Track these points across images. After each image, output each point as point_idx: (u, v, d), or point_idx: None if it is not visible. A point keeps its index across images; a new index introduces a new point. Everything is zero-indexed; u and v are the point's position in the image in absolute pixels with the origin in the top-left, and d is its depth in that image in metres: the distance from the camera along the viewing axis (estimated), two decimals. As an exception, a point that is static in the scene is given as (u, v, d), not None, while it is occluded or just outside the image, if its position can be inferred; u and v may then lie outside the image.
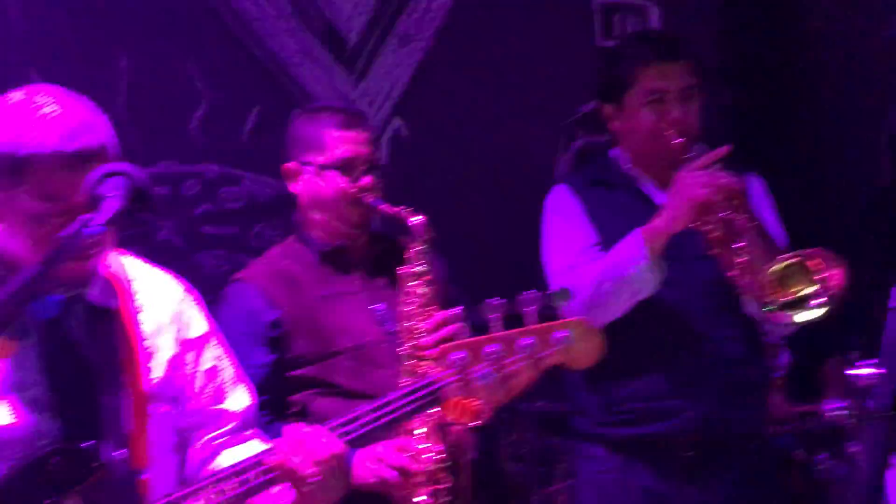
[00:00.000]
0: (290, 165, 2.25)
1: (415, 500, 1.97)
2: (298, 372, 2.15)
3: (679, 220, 2.10)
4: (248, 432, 1.75)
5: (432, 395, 1.59)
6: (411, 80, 3.73)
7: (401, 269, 2.14)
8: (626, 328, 2.22)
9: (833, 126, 4.19)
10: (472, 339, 1.56)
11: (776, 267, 1.91)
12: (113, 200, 1.40)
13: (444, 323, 2.06)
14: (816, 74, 4.24)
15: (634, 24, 4.19)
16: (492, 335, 1.56)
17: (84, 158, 1.51)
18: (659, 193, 2.30)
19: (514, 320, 1.57)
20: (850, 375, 2.62)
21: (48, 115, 1.53)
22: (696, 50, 3.93)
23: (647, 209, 2.25)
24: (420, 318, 2.10)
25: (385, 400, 1.57)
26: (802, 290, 1.96)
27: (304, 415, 2.14)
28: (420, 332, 2.09)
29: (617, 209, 2.29)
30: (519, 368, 1.56)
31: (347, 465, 1.60)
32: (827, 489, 2.87)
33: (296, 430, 1.57)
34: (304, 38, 3.53)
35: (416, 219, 2.16)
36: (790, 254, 1.94)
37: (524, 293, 1.60)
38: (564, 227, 2.31)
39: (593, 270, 2.20)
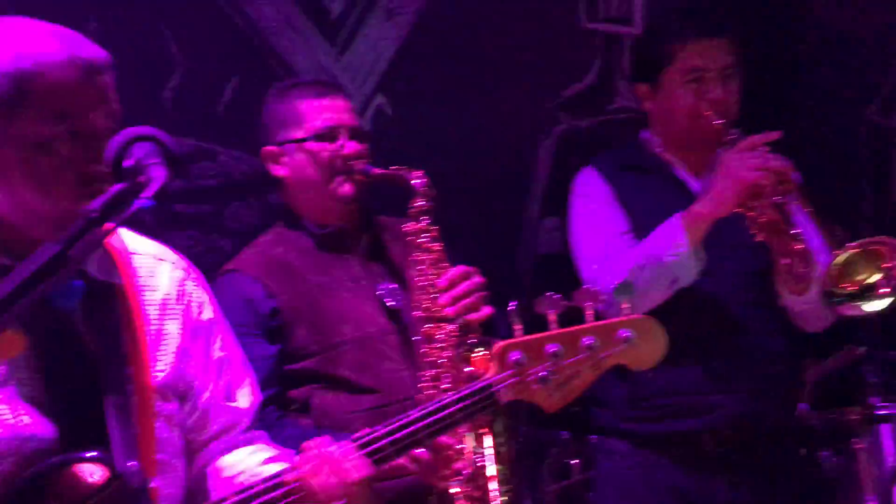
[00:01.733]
0: (269, 148, 2.11)
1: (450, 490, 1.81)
2: (299, 365, 2.00)
3: (725, 204, 1.99)
4: (253, 432, 1.58)
5: (488, 400, 1.45)
6: (396, 55, 3.56)
7: (407, 226, 2.02)
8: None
9: (816, 118, 4.15)
10: (530, 336, 1.44)
11: (842, 256, 1.79)
12: (157, 170, 1.20)
13: (460, 279, 1.95)
14: (802, 65, 4.19)
15: (619, 7, 4.09)
16: (552, 333, 1.45)
17: (98, 70, 1.34)
18: (693, 180, 2.17)
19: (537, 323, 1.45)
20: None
21: (51, 27, 1.35)
22: None
23: (682, 195, 2.13)
24: (433, 276, 1.97)
25: (427, 409, 1.41)
26: (867, 278, 1.85)
27: (305, 410, 1.98)
28: (434, 292, 1.95)
29: (650, 195, 2.17)
30: (580, 369, 1.45)
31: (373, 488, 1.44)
32: (831, 486, 2.81)
33: (320, 447, 1.41)
34: (285, 7, 3.33)
35: (417, 176, 2.02)
36: (856, 242, 1.81)
37: (582, 288, 1.50)
38: (595, 213, 2.19)
39: (629, 258, 2.08)
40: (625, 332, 1.47)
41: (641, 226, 2.12)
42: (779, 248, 1.95)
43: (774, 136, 1.96)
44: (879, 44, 3.95)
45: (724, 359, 2.11)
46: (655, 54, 2.14)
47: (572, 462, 2.83)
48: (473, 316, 1.94)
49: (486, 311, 1.96)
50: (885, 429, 2.81)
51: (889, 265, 1.82)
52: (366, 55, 3.49)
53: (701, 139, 2.11)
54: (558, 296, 1.45)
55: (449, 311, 1.90)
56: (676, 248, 2.01)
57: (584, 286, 2.08)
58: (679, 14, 2.28)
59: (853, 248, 1.81)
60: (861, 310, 1.85)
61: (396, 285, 2.05)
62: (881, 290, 1.84)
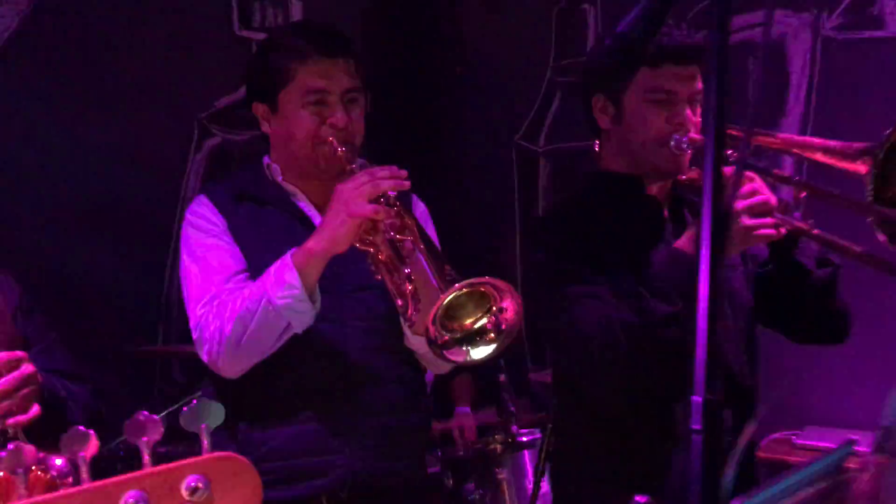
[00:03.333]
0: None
1: None
2: None
3: (338, 240, 1.79)
4: None
5: None
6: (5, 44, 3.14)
7: None
8: (272, 369, 1.90)
9: (472, 144, 4.24)
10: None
11: (447, 297, 1.65)
12: None
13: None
14: (459, 87, 4.25)
15: (275, 15, 3.92)
16: (64, 493, 1.04)
17: None
18: (317, 213, 1.98)
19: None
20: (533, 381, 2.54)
21: None
22: None
23: (304, 230, 1.92)
24: None
25: None
26: (475, 322, 1.71)
27: None
28: None
29: (267, 229, 1.94)
30: None
31: None
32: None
33: None
34: None
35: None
36: (462, 282, 1.64)
37: (136, 417, 1.06)
38: (205, 247, 1.92)
39: (237, 301, 1.84)
40: (194, 480, 1.05)
41: (257, 262, 1.89)
42: (394, 288, 1.78)
43: (405, 184, 1.79)
44: (525, 73, 4.11)
45: (342, 413, 1.92)
46: (273, 72, 1.93)
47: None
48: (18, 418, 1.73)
49: (34, 411, 1.75)
50: (527, 455, 2.82)
51: (496, 307, 1.71)
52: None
53: (323, 167, 1.92)
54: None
55: None
56: (289, 289, 1.80)
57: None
58: (299, 30, 2.06)
59: (458, 288, 1.66)
60: (469, 356, 1.72)
61: None
62: (488, 336, 1.72)
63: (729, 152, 1.89)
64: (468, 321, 1.71)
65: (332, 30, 2.00)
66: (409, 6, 4.24)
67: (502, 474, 2.74)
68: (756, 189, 1.80)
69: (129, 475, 1.04)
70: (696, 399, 0.88)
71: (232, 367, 1.88)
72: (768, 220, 1.78)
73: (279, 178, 2.01)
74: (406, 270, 1.73)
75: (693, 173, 1.96)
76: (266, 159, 2.04)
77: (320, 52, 1.92)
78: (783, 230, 1.79)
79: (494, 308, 1.70)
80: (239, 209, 1.96)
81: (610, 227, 1.95)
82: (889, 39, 3.54)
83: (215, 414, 1.08)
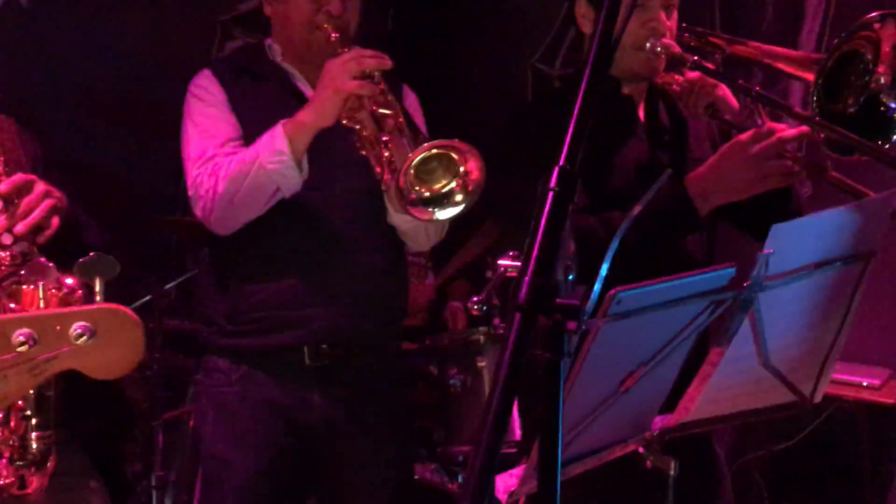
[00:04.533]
0: None
1: None
2: None
3: (326, 113, 1.94)
4: None
5: None
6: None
7: None
8: (261, 232, 2.07)
9: (487, 56, 4.33)
10: None
11: (416, 158, 1.78)
12: None
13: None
14: (477, 7, 4.34)
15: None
16: None
17: None
18: (311, 91, 2.13)
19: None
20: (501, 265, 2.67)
21: None
22: None
23: (299, 105, 2.07)
24: None
25: None
26: (444, 186, 1.84)
27: None
28: None
29: (264, 101, 2.10)
30: (8, 372, 1.12)
31: None
32: (457, 401, 2.96)
33: None
34: None
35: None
36: (428, 143, 1.78)
37: (35, 261, 1.22)
38: (205, 115, 2.09)
39: (231, 163, 2.00)
40: (81, 327, 1.11)
41: (253, 132, 2.05)
42: (374, 159, 1.94)
43: (387, 63, 1.94)
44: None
45: (324, 274, 2.09)
46: None
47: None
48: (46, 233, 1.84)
49: (54, 224, 1.85)
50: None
51: (463, 169, 1.83)
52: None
53: (317, 51, 2.07)
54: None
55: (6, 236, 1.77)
56: (279, 155, 1.96)
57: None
58: None
59: (427, 148, 1.78)
60: (433, 215, 1.87)
61: None
62: (456, 198, 1.86)
63: (695, 58, 2.00)
64: (437, 185, 1.86)
65: None
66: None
67: (483, 362, 2.92)
68: (773, 129, 1.85)
69: (22, 315, 1.12)
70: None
71: (223, 224, 2.05)
72: (787, 164, 1.83)
73: (278, 58, 2.17)
74: (385, 138, 1.88)
75: (668, 77, 2.07)
76: (267, 40, 2.20)
77: None
78: (800, 174, 1.84)
79: (461, 170, 1.84)
80: (239, 83, 2.12)
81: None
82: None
83: (109, 267, 1.16)
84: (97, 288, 1.16)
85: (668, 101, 2.14)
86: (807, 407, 1.54)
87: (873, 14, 1.84)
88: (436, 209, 1.86)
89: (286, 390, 2.08)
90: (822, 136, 1.82)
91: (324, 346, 2.08)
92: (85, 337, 1.11)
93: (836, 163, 1.88)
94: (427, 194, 1.86)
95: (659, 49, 2.00)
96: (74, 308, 1.14)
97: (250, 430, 2.07)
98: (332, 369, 2.10)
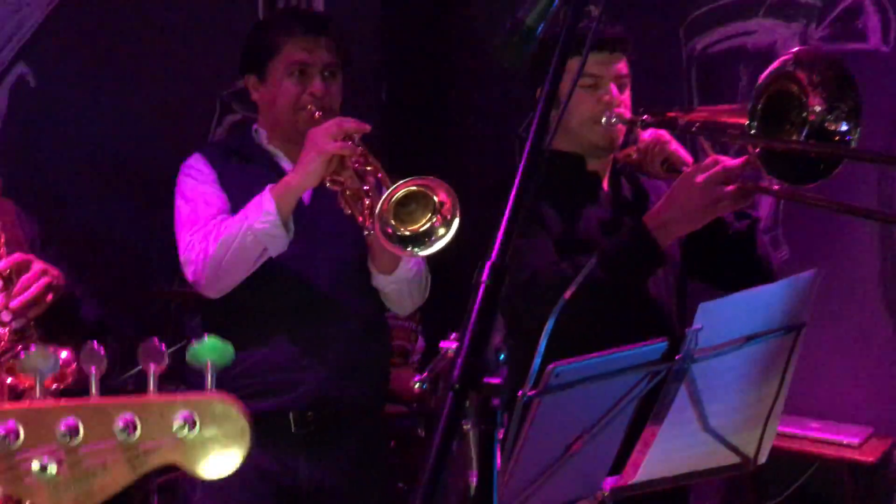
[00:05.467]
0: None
1: None
2: None
3: (311, 174, 2.08)
4: None
5: None
6: (43, 21, 3.44)
7: None
8: (250, 300, 2.20)
9: (477, 127, 4.50)
10: (38, 402, 1.01)
11: (396, 194, 1.89)
12: None
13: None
14: (466, 78, 4.52)
15: (298, 1, 4.21)
16: (69, 403, 1.00)
17: None
18: (296, 170, 2.28)
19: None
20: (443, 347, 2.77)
21: None
22: (357, 43, 4.16)
23: (284, 183, 2.22)
24: None
25: None
26: (423, 225, 1.95)
27: None
28: None
29: (250, 180, 2.24)
30: (107, 461, 0.99)
31: None
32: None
33: None
34: None
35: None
36: (403, 181, 1.90)
37: (147, 342, 1.03)
38: (196, 191, 2.24)
39: (221, 226, 2.14)
40: (185, 416, 1.00)
41: (240, 208, 2.18)
42: (356, 213, 2.05)
43: (366, 127, 2.09)
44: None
45: (309, 341, 2.20)
46: (263, 46, 2.26)
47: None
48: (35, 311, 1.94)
49: (49, 299, 1.95)
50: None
51: (437, 200, 1.94)
52: (7, 19, 3.34)
53: (302, 131, 2.21)
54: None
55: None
56: (266, 215, 2.09)
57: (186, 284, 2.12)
58: (287, 12, 2.39)
59: (404, 185, 1.90)
60: (415, 253, 1.96)
61: None
62: (437, 234, 1.94)
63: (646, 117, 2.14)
64: (417, 225, 1.97)
65: (318, 13, 2.31)
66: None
67: (468, 426, 3.01)
68: (717, 159, 1.98)
69: (128, 398, 1.01)
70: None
71: (213, 286, 2.17)
72: (731, 187, 1.94)
73: (264, 143, 2.34)
74: (366, 188, 2.03)
75: (628, 150, 2.21)
76: (255, 125, 2.37)
77: (304, 30, 2.24)
78: (748, 195, 1.96)
79: (437, 202, 1.97)
80: (227, 164, 2.28)
81: (554, 196, 2.20)
82: (870, 52, 3.74)
83: (223, 353, 1.05)
84: (208, 376, 1.05)
85: (630, 173, 2.28)
86: (749, 468, 1.65)
87: (784, 57, 1.95)
88: (420, 247, 1.97)
89: (273, 457, 2.17)
90: (764, 166, 1.90)
91: (309, 412, 2.19)
92: (188, 428, 1.00)
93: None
94: (408, 233, 1.97)
95: (614, 120, 2.15)
96: (179, 396, 1.01)
97: (238, 497, 2.16)
98: (317, 435, 2.20)
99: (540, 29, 1.53)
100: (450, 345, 2.78)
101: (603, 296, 1.96)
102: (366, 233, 2.09)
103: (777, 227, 3.87)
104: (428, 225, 1.97)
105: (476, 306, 1.10)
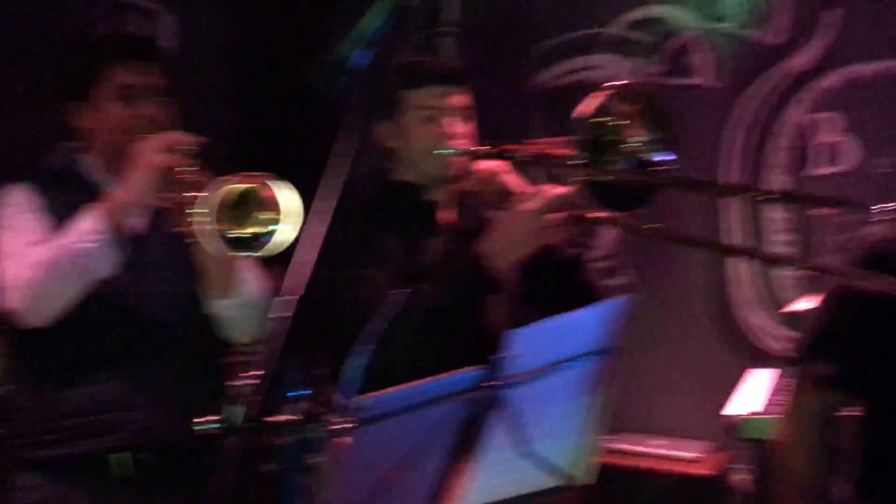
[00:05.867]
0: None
1: None
2: None
3: (136, 189, 2.04)
4: None
5: None
6: None
7: None
8: (75, 335, 2.12)
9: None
10: None
11: (222, 192, 1.84)
12: None
13: None
14: (325, 99, 4.49)
15: (144, 27, 4.10)
16: None
17: None
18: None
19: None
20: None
21: None
22: (208, 64, 4.07)
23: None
24: None
25: None
26: (256, 224, 1.90)
27: None
28: None
29: (76, 209, 2.14)
30: None
31: None
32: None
33: None
34: None
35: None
36: (237, 177, 1.87)
37: None
38: (19, 219, 2.14)
39: (41, 250, 2.05)
40: None
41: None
42: (186, 224, 1.97)
43: (191, 140, 2.05)
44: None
45: (136, 378, 2.15)
46: (88, 71, 2.19)
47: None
48: None
49: None
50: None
51: (274, 200, 1.90)
52: None
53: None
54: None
55: None
56: (90, 234, 2.03)
57: None
58: (111, 35, 2.33)
59: (223, 181, 1.86)
60: (255, 252, 1.92)
61: None
62: (271, 236, 1.89)
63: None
64: (249, 228, 1.92)
65: (145, 36, 2.27)
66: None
67: (315, 459, 2.96)
68: (539, 189, 2.03)
69: None
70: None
71: (35, 314, 2.07)
72: (554, 216, 2.00)
73: (92, 173, 2.25)
74: (194, 195, 1.94)
75: (467, 181, 2.25)
76: (79, 155, 2.27)
77: (133, 54, 2.20)
78: (575, 223, 2.01)
79: (271, 204, 1.92)
80: (51, 195, 2.19)
81: (394, 226, 2.21)
82: (702, 88, 3.97)
83: None
84: None
85: (472, 204, 2.32)
86: (576, 489, 1.69)
87: (603, 91, 2.03)
88: (253, 250, 1.92)
89: (107, 500, 2.11)
90: (592, 194, 1.97)
91: (134, 451, 2.12)
92: None
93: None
94: (239, 235, 1.91)
95: (450, 151, 2.17)
96: None
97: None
98: (149, 476, 2.14)
99: (353, 61, 1.55)
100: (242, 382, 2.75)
101: (438, 325, 1.99)
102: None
103: (618, 255, 4.03)
104: (261, 227, 1.92)
105: (267, 351, 1.09)
